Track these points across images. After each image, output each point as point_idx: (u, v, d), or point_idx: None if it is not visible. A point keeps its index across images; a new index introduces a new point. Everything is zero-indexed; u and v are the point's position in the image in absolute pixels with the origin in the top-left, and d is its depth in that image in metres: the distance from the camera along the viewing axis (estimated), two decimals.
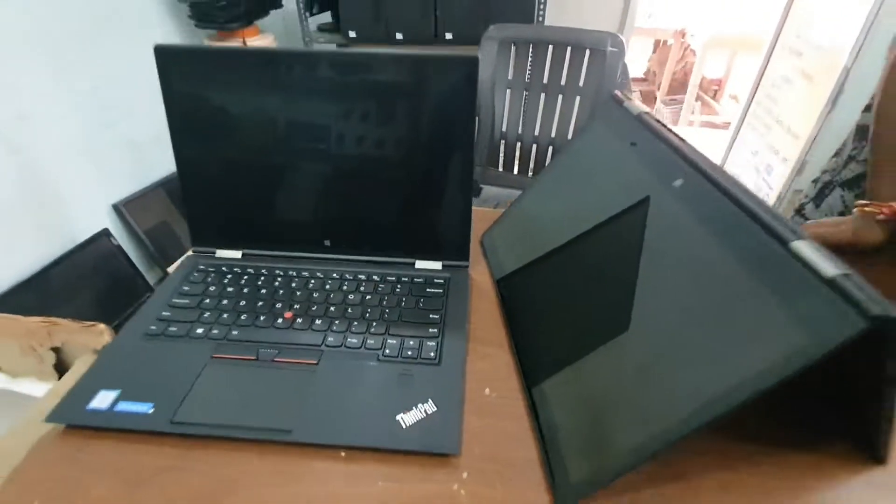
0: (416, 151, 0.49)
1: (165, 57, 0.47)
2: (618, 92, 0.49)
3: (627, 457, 0.30)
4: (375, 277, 0.51)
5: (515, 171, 1.43)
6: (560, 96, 1.35)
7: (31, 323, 1.01)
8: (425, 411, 0.38)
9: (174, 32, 1.64)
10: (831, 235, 0.58)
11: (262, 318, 0.46)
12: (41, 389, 0.98)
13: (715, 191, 0.34)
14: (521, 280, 0.49)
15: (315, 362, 0.42)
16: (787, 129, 1.75)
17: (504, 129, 1.38)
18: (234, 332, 0.44)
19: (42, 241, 1.22)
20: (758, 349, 0.27)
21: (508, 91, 1.36)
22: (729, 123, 2.47)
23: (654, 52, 4.07)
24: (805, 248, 0.27)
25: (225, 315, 0.46)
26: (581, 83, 1.32)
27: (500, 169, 1.43)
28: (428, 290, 0.49)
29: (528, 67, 1.34)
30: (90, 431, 0.37)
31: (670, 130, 0.41)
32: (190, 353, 0.42)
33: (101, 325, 0.95)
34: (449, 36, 1.57)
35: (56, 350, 0.98)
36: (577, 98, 1.33)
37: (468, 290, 0.50)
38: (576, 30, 1.30)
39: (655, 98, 3.86)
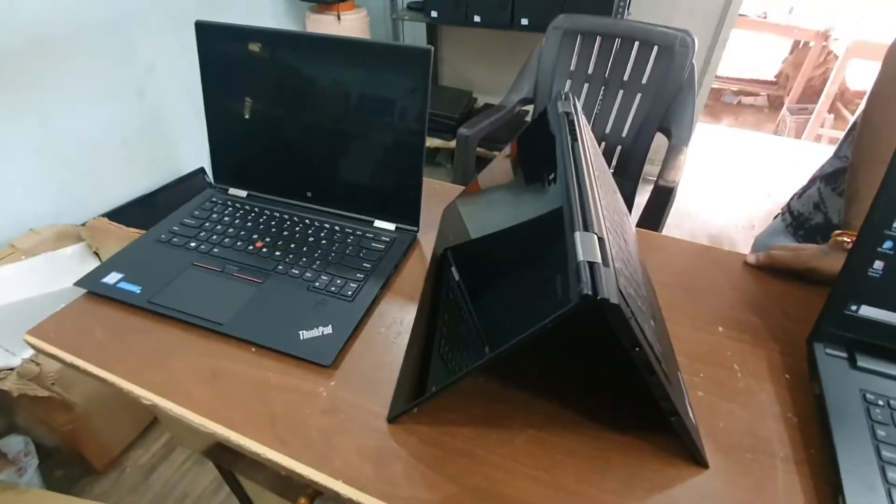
0: (378, 125, 0.58)
1: (203, 30, 0.61)
2: (562, 92, 0.53)
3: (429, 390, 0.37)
4: (336, 228, 0.61)
5: None
6: (621, 91, 1.32)
7: (131, 232, 1.28)
8: (322, 332, 0.48)
9: (280, 6, 1.85)
10: (790, 259, 0.56)
11: (239, 243, 0.58)
12: None
13: (564, 188, 0.38)
14: (455, 253, 0.56)
15: (261, 281, 0.53)
16: None
17: None
18: (215, 250, 0.57)
19: (152, 171, 1.50)
20: (529, 313, 0.33)
21: (568, 82, 1.36)
22: None
23: (791, 53, 3.61)
24: (578, 238, 0.32)
25: (214, 237, 0.59)
26: (644, 80, 1.28)
27: None
28: (373, 244, 0.58)
29: (593, 60, 1.33)
30: (101, 297, 0.53)
31: (577, 134, 0.45)
32: (179, 258, 0.56)
33: None
34: (524, 21, 1.59)
35: None
36: (638, 95, 1.30)
37: (407, 250, 0.59)
38: (645, 25, 1.26)
39: (782, 104, 3.46)
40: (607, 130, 1.35)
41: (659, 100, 1.27)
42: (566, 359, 0.46)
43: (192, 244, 0.58)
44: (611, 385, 0.43)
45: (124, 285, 0.52)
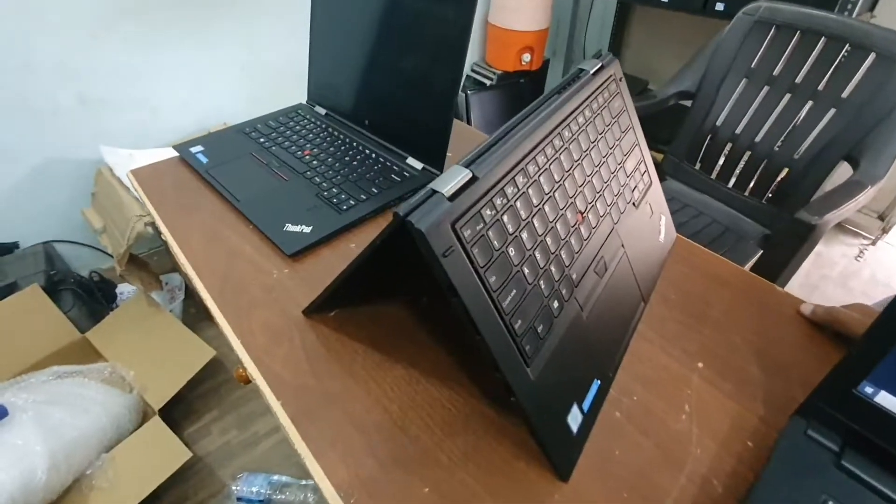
0: (422, 62, 0.59)
1: None
2: (604, 51, 0.47)
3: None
4: (374, 155, 0.65)
5: (713, 176, 1.23)
6: (809, 102, 1.07)
7: None
8: (302, 229, 0.53)
9: None
10: (857, 325, 0.42)
11: (293, 147, 0.67)
12: None
13: (507, 127, 0.35)
14: None
15: (287, 179, 0.61)
16: None
17: (719, 122, 1.19)
18: (273, 148, 0.67)
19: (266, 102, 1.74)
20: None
21: (744, 81, 1.15)
22: None
23: None
24: (452, 168, 0.30)
25: (280, 138, 0.69)
26: (845, 94, 1.01)
27: (697, 167, 1.26)
28: (393, 175, 0.61)
29: (784, 59, 1.09)
30: (185, 162, 0.66)
31: (571, 89, 0.40)
32: (246, 147, 0.67)
33: None
34: (720, 6, 1.37)
35: None
36: (832, 111, 1.04)
37: (414, 188, 0.60)
38: (866, 25, 0.98)
39: None
40: (776, 147, 1.11)
41: (858, 121, 1.00)
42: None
43: (262, 140, 0.68)
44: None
45: (200, 156, 0.65)
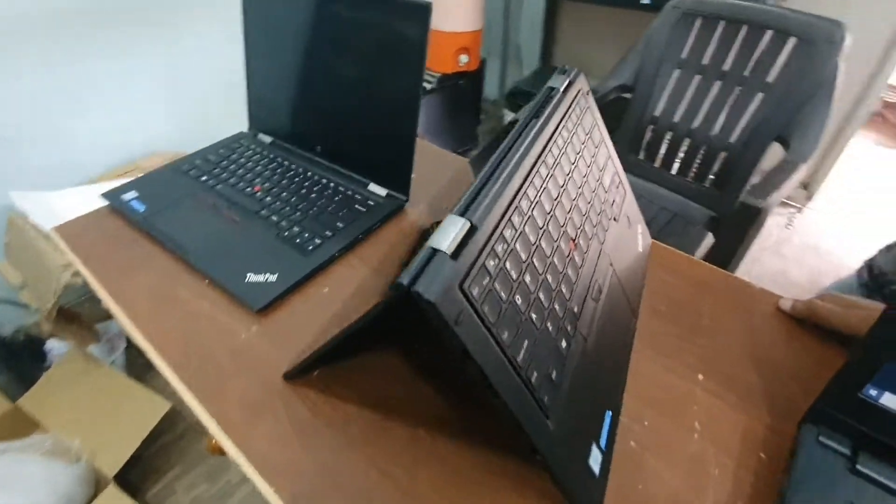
0: (377, 83, 0.56)
1: None
2: (568, 67, 0.45)
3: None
4: (332, 185, 0.61)
5: (657, 164, 1.28)
6: (738, 88, 1.13)
7: None
8: (267, 279, 0.48)
9: None
10: (836, 318, 0.43)
11: (241, 184, 0.61)
12: None
13: (492, 163, 0.33)
14: None
15: (239, 221, 0.55)
16: None
17: (657, 112, 1.23)
18: (219, 186, 0.61)
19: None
20: None
21: (677, 71, 1.19)
22: None
23: None
24: (448, 220, 0.27)
25: (224, 174, 0.63)
26: (771, 78, 1.07)
27: (641, 157, 1.29)
28: (356, 206, 0.57)
29: (711, 48, 1.14)
30: (117, 212, 0.59)
31: (545, 112, 0.39)
32: (187, 188, 0.61)
33: None
34: (646, 1, 1.42)
35: None
36: (759, 95, 1.10)
37: (387, 218, 0.57)
38: (785, 11, 1.04)
39: None
40: (713, 133, 1.16)
41: (785, 103, 1.06)
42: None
43: (204, 178, 0.62)
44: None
45: (135, 203, 0.58)
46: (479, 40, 1.88)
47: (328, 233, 0.54)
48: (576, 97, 0.44)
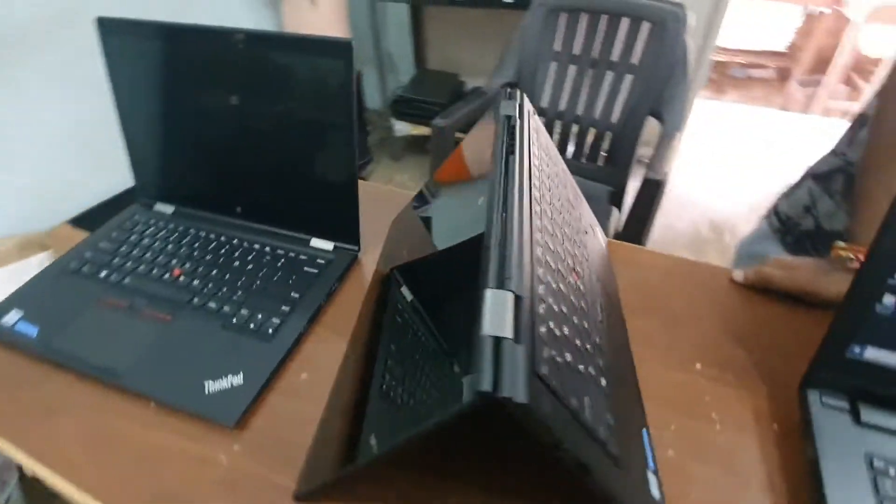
0: (304, 129, 0.50)
1: (107, 28, 0.53)
2: (510, 89, 0.45)
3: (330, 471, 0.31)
4: (267, 249, 0.54)
5: None
6: (610, 73, 1.22)
7: None
8: (231, 383, 0.41)
9: None
10: (783, 280, 0.48)
11: (155, 270, 0.51)
12: None
13: (490, 220, 0.31)
14: (413, 274, 0.48)
15: (169, 318, 0.46)
16: None
17: (544, 104, 1.30)
18: (126, 280, 0.50)
19: (120, 171, 1.44)
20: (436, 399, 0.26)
21: (554, 64, 1.27)
22: None
23: (804, 23, 3.43)
24: (490, 298, 0.24)
25: (129, 263, 0.52)
26: (635, 60, 1.18)
27: None
28: (305, 268, 0.51)
29: (579, 39, 1.23)
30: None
31: (513, 141, 0.37)
32: (86, 292, 0.50)
33: None
34: None
35: None
36: (629, 77, 1.20)
37: (344, 275, 0.51)
38: (636, 0, 1.15)
39: (790, 76, 3.30)
40: (596, 116, 1.25)
41: (651, 81, 1.17)
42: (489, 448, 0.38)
43: (103, 273, 0.51)
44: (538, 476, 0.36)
45: (22, 326, 0.46)
46: None
47: (284, 307, 0.47)
48: (528, 119, 0.43)
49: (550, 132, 1.31)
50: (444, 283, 0.42)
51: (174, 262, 0.52)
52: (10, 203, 1.22)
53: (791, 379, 0.40)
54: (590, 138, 1.29)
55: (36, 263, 1.23)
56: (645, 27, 1.15)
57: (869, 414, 0.35)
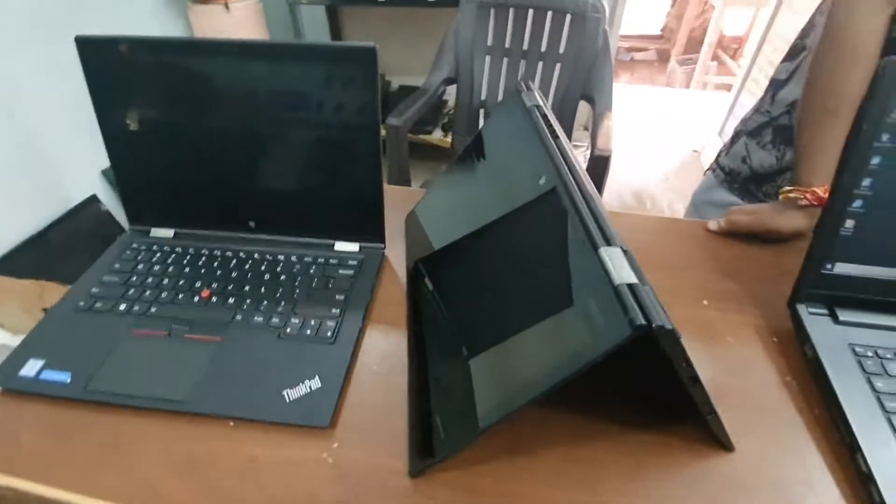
0: (325, 136, 0.51)
1: (87, 47, 0.49)
2: (522, 81, 0.50)
3: (485, 419, 0.33)
4: (293, 258, 0.54)
5: None
6: (540, 63, 1.32)
7: (26, 284, 1.09)
8: (310, 387, 0.42)
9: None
10: (750, 223, 0.58)
11: (181, 295, 0.50)
12: None
13: (566, 196, 0.35)
14: (433, 263, 0.51)
15: (220, 339, 0.46)
16: None
17: (483, 97, 1.37)
18: (153, 309, 0.48)
19: (37, 207, 1.28)
20: (567, 341, 0.30)
21: (488, 57, 1.34)
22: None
23: (673, 6, 3.86)
24: (606, 255, 0.29)
25: (148, 292, 0.50)
26: (562, 50, 1.29)
27: None
28: (340, 271, 0.53)
29: (509, 33, 1.31)
30: (24, 393, 0.42)
31: (552, 128, 0.42)
32: (112, 327, 0.47)
33: None
34: None
35: (46, 310, 1.05)
36: (558, 66, 1.31)
37: (379, 271, 0.53)
38: None
39: (670, 57, 3.70)
40: None
41: (578, 68, 1.29)
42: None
43: (123, 306, 0.49)
44: (633, 389, 0.42)
45: (49, 375, 0.43)
46: None
47: (334, 310, 0.48)
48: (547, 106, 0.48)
49: None
50: (464, 267, 0.46)
51: (198, 284, 0.51)
52: None
53: (775, 300, 0.50)
54: None
55: None
56: (567, 18, 1.25)
57: (844, 314, 0.45)
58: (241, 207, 0.56)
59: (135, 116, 0.52)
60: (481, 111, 1.38)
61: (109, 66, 0.50)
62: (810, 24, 0.71)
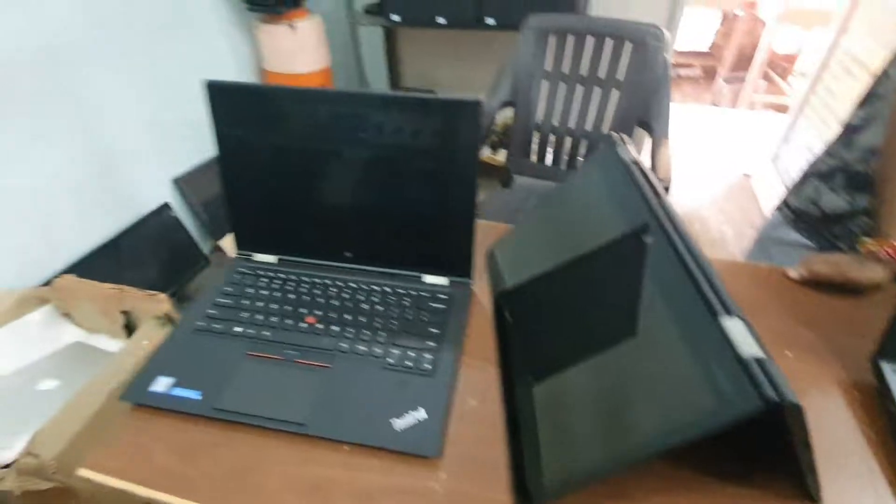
0: (426, 180, 0.55)
1: (215, 91, 0.55)
2: (614, 133, 0.52)
3: (593, 470, 0.36)
4: (387, 289, 0.58)
5: (549, 163, 1.44)
6: (598, 89, 1.34)
7: (105, 289, 1.17)
8: (416, 418, 0.45)
9: (228, 20, 1.71)
10: (830, 272, 0.59)
11: (288, 320, 0.54)
12: (113, 345, 1.14)
13: (673, 254, 0.38)
14: (514, 297, 0.54)
15: (329, 365, 0.50)
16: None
17: (539, 120, 1.39)
18: (265, 333, 0.53)
19: (111, 216, 1.38)
20: (686, 405, 0.32)
21: (546, 82, 1.36)
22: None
23: (722, 24, 3.80)
24: (729, 325, 0.31)
25: (258, 316, 0.55)
26: (620, 77, 1.30)
27: (534, 159, 1.45)
28: (431, 304, 0.56)
29: (567, 59, 1.33)
30: (154, 409, 0.47)
31: (653, 186, 0.45)
32: (229, 349, 0.51)
33: (162, 295, 1.08)
34: (490, 21, 1.57)
35: (125, 313, 1.13)
36: (616, 92, 1.32)
37: (468, 305, 0.57)
38: (617, 21, 1.27)
39: (715, 74, 3.64)
40: (588, 128, 1.36)
41: (636, 95, 1.30)
42: None
43: (237, 329, 0.53)
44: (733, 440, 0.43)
45: (181, 392, 0.47)
46: (330, 78, 1.83)
47: (430, 343, 0.52)
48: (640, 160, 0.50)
49: (545, 144, 1.41)
50: (555, 308, 0.49)
51: (302, 310, 0.55)
52: (2, 259, 1.15)
53: (857, 352, 0.51)
54: (582, 150, 1.39)
55: (39, 319, 1.17)
56: (628, 46, 1.26)
57: None
58: (340, 239, 0.60)
59: (251, 156, 0.57)
60: (537, 133, 1.41)
61: (231, 108, 0.55)
62: (884, 75, 0.71)
